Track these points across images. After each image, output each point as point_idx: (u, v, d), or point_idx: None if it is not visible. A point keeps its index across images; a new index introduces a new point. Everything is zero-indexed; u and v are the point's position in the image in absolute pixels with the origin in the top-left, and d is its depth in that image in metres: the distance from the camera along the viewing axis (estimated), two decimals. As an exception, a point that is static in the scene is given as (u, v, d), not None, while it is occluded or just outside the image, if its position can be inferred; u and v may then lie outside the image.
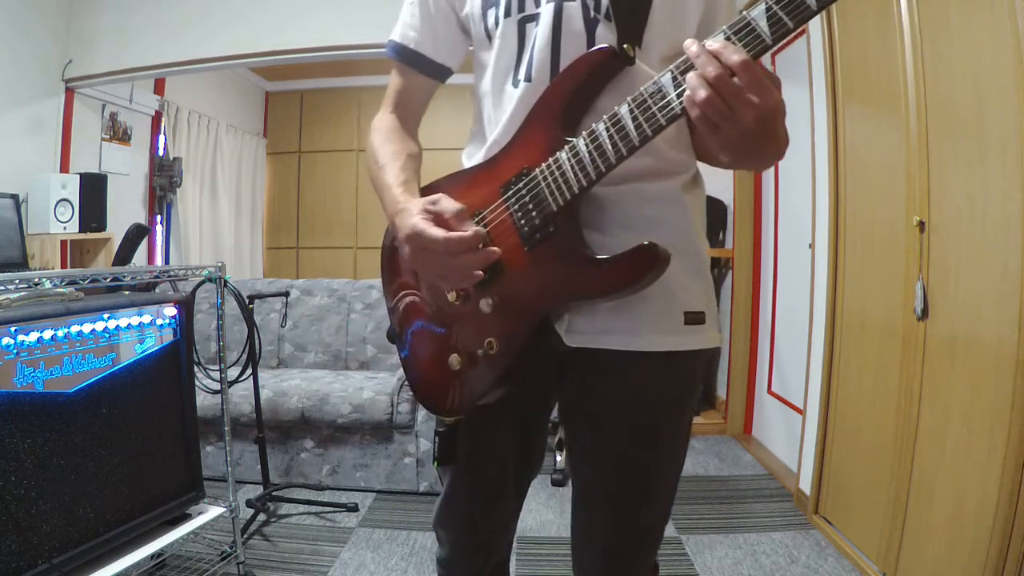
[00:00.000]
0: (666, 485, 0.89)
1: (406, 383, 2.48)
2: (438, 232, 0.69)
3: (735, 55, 0.58)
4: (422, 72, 0.92)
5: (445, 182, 0.86)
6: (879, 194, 1.87)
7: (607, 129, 0.68)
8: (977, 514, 1.40)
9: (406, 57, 0.91)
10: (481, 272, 0.72)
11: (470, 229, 0.69)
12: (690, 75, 0.60)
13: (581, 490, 0.92)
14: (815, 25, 2.21)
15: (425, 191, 0.83)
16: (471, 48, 0.93)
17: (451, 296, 0.81)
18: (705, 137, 0.63)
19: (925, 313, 1.61)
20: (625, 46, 0.75)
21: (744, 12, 0.60)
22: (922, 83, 1.62)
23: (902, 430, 1.69)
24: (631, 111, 0.66)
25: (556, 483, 2.61)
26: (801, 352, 2.41)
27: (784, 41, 2.85)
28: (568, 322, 0.79)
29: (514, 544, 2.06)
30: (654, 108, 0.65)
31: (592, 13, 0.77)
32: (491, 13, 0.83)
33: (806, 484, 2.28)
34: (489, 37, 0.85)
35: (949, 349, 1.53)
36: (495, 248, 0.72)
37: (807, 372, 2.33)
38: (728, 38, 0.60)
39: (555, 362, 0.85)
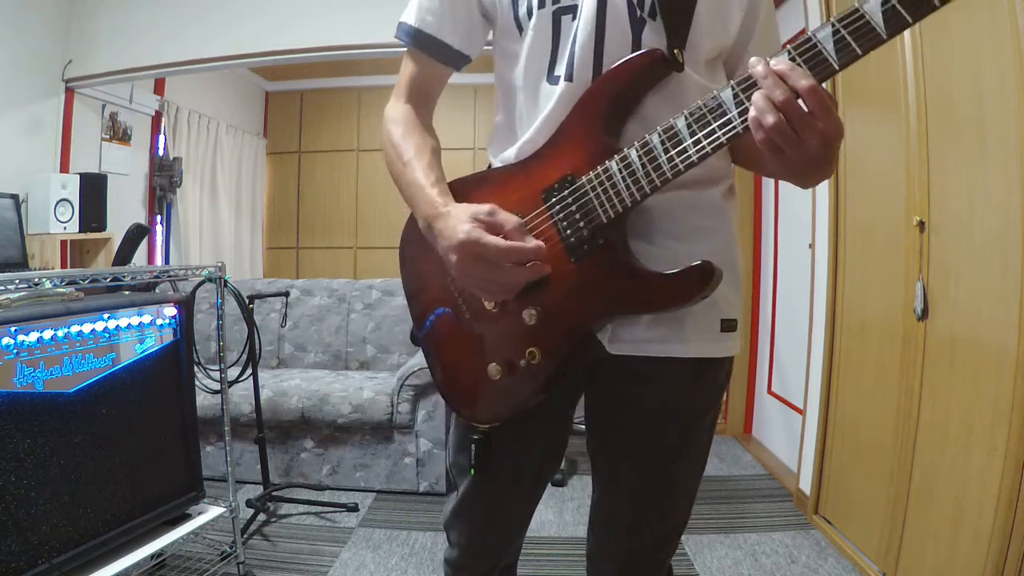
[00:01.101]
0: (689, 493, 0.88)
1: (406, 383, 2.49)
2: (499, 241, 0.66)
3: (803, 79, 0.56)
4: (439, 60, 0.86)
5: (475, 181, 0.82)
6: (879, 194, 1.87)
7: (662, 142, 0.66)
8: (977, 514, 1.40)
9: (422, 43, 0.84)
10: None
11: (531, 242, 0.67)
12: (757, 96, 0.58)
13: (604, 496, 0.90)
14: (814, 25, 2.20)
15: (454, 191, 0.79)
16: (488, 42, 0.89)
17: (489, 304, 0.77)
18: (765, 158, 0.61)
19: (925, 313, 1.61)
20: (675, 51, 0.72)
21: (810, 32, 0.58)
22: (922, 83, 1.62)
23: (902, 430, 1.69)
24: (689, 125, 0.64)
25: (556, 483, 2.61)
26: (801, 352, 2.41)
27: (784, 40, 2.85)
28: (611, 331, 0.78)
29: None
30: (714, 124, 0.63)
31: (639, 12, 0.73)
32: (523, 2, 0.79)
33: (806, 484, 2.28)
34: (520, 27, 0.80)
35: (949, 349, 1.53)
36: (546, 265, 0.68)
37: (807, 372, 2.33)
38: (793, 59, 0.58)
39: (592, 361, 0.83)
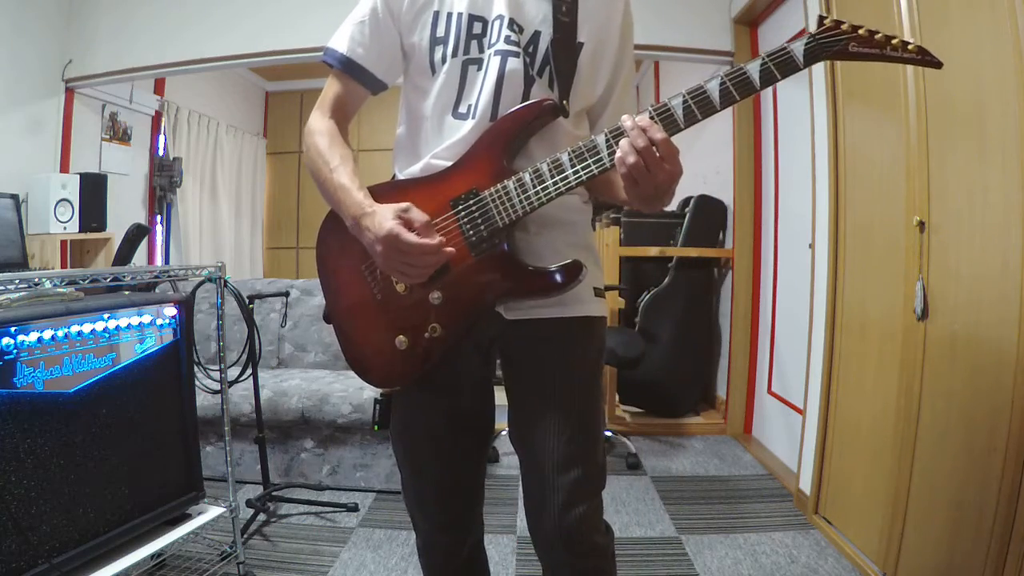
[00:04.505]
0: (599, 436, 1.00)
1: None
2: (414, 238, 0.82)
3: (658, 133, 0.77)
4: (364, 85, 1.02)
5: (392, 188, 0.97)
6: (879, 194, 1.87)
7: (550, 170, 0.86)
8: (977, 514, 1.40)
9: (351, 69, 1.00)
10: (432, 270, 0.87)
11: (435, 238, 0.84)
12: (623, 142, 0.79)
13: (529, 454, 0.99)
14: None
15: (372, 194, 0.92)
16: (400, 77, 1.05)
17: (400, 288, 0.93)
18: (625, 187, 0.82)
19: (925, 313, 1.61)
20: (564, 102, 0.94)
21: (665, 99, 0.80)
22: (922, 83, 1.62)
23: (902, 430, 1.69)
24: (571, 159, 0.85)
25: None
26: (801, 352, 2.41)
27: (784, 40, 2.85)
28: (505, 304, 0.95)
29: (514, 544, 2.06)
30: (589, 160, 0.84)
31: (531, 72, 0.94)
32: (439, 50, 0.96)
33: (806, 484, 2.28)
34: (433, 70, 0.97)
35: (949, 349, 1.53)
36: (451, 248, 0.85)
37: (807, 372, 2.33)
38: (652, 117, 0.79)
39: (496, 329, 0.97)
